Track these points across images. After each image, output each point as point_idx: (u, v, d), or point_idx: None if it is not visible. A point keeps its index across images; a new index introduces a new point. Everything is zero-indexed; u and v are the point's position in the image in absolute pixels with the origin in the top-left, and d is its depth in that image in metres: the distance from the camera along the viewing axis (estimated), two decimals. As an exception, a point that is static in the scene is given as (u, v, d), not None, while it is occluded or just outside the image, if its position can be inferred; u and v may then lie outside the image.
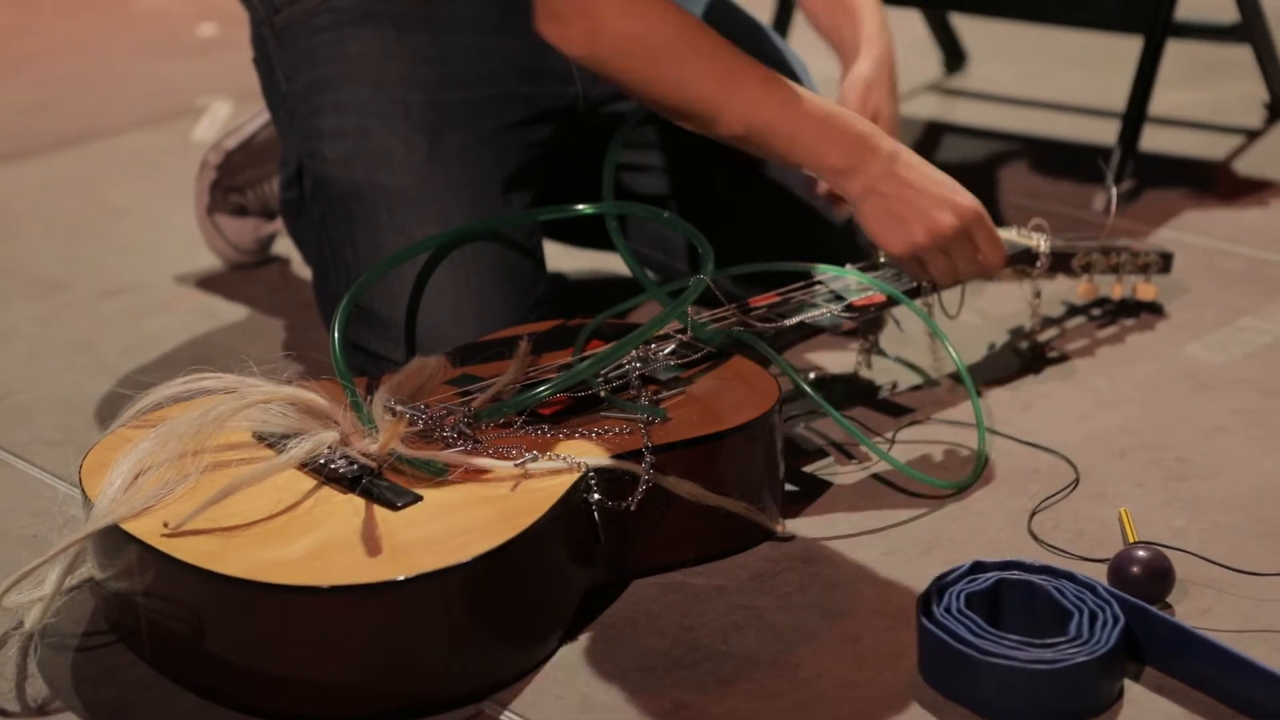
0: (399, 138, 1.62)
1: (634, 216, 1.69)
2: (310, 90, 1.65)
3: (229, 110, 2.59)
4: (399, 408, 1.33)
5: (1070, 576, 1.23)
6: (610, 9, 1.46)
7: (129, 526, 1.21)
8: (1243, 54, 2.36)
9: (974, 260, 1.52)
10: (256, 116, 2.02)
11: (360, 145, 1.62)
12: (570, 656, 1.25)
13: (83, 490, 1.27)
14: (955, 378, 1.64)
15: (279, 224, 1.97)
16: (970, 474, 1.46)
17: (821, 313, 1.53)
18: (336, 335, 1.43)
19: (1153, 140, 2.24)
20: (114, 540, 1.22)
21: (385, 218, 1.60)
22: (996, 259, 1.53)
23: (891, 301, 1.56)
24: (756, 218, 1.75)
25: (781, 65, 1.77)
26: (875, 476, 1.48)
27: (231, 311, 1.90)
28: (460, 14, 1.64)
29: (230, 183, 1.98)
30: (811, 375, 1.66)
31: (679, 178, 1.76)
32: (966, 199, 1.50)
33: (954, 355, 1.54)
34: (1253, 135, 2.33)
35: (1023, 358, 1.69)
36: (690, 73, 1.47)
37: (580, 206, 1.62)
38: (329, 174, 1.63)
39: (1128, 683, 1.19)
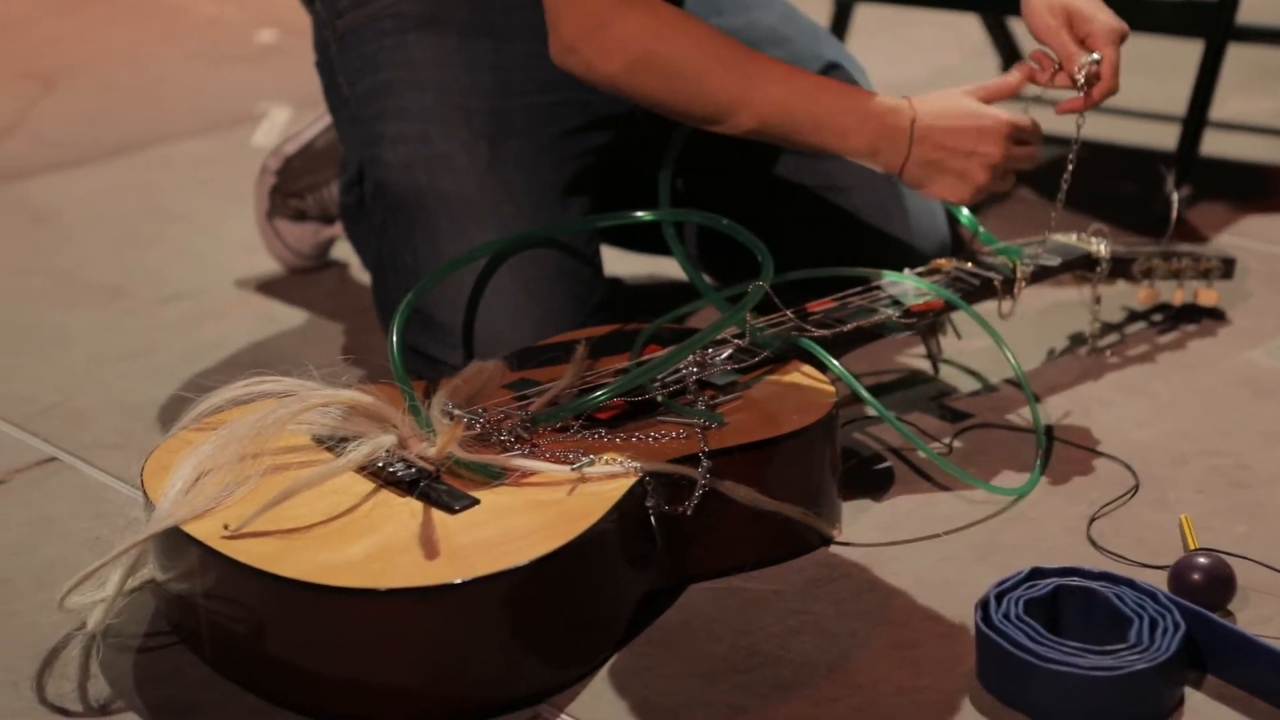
0: (460, 144, 1.62)
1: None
2: (372, 95, 1.66)
3: (288, 116, 2.60)
4: (456, 411, 1.34)
5: (1130, 583, 1.22)
6: (620, 32, 1.47)
7: (190, 528, 1.21)
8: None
9: (1027, 156, 1.52)
10: (316, 122, 2.03)
11: (422, 150, 1.63)
12: (627, 661, 1.25)
13: (144, 492, 1.28)
14: (1014, 383, 1.63)
15: (338, 228, 1.98)
16: (1028, 480, 1.45)
17: (879, 318, 1.52)
18: (395, 339, 1.43)
19: (1214, 145, 2.23)
20: (175, 542, 1.23)
21: (445, 223, 1.61)
22: (1037, 141, 1.53)
23: (949, 306, 1.56)
24: (814, 222, 1.75)
25: (839, 69, 1.77)
26: (932, 482, 1.47)
27: (290, 316, 1.91)
28: (520, 22, 1.64)
29: (290, 188, 1.99)
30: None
31: (740, 182, 1.76)
32: (990, 117, 1.50)
33: (1012, 360, 1.53)
34: (1315, 140, 2.31)
35: (1082, 363, 1.68)
36: (708, 81, 1.48)
37: (639, 213, 1.62)
38: (390, 179, 1.64)
39: (1188, 690, 1.18)
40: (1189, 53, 2.17)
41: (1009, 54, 2.62)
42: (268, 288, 1.99)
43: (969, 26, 2.68)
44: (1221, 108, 2.21)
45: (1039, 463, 1.47)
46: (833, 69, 1.76)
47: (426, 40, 1.64)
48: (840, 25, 2.47)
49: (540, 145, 1.64)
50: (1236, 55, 2.25)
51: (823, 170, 1.75)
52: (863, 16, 2.51)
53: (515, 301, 1.59)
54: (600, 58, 1.48)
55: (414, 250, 1.62)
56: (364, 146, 1.67)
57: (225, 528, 1.20)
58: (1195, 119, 2.09)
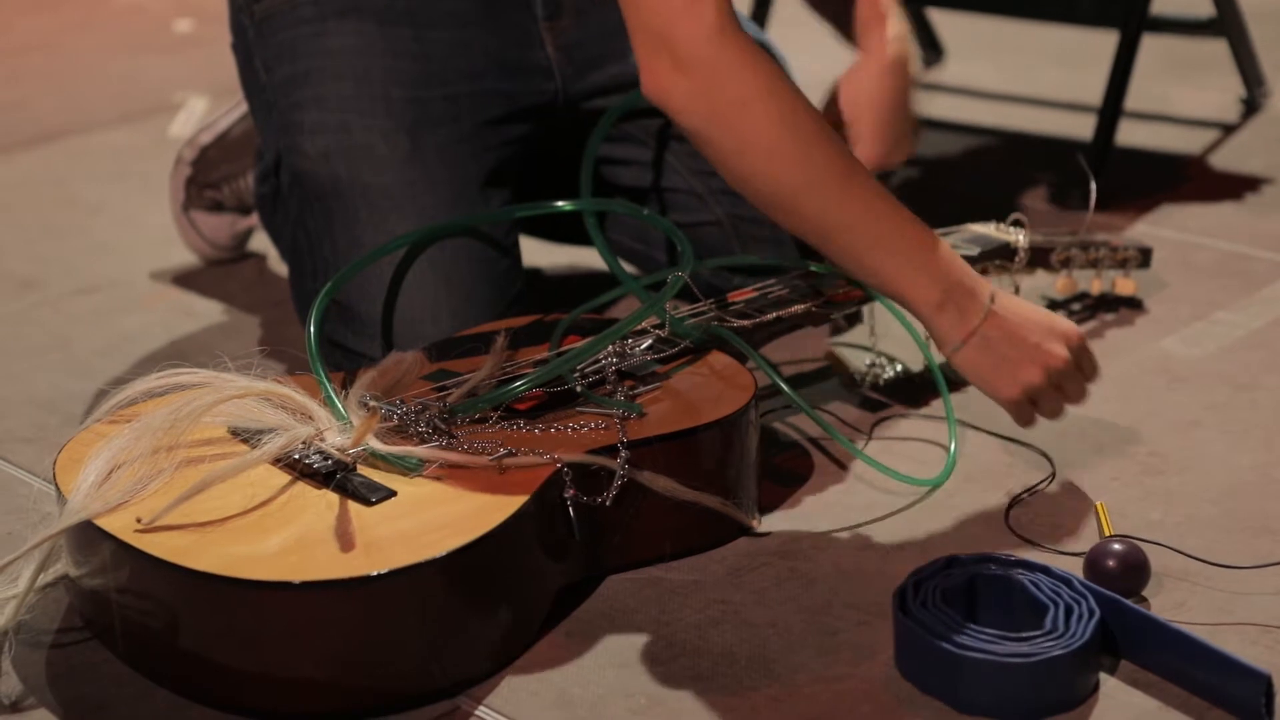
0: (380, 134, 1.61)
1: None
2: (290, 84, 1.64)
3: (205, 106, 2.58)
4: (373, 403, 1.33)
5: (1046, 570, 1.23)
6: (732, 72, 1.34)
7: (102, 522, 1.20)
8: (1219, 48, 2.37)
9: (1083, 388, 1.43)
10: (231, 111, 2.01)
11: (341, 141, 1.61)
12: (546, 652, 1.25)
13: (56, 486, 1.27)
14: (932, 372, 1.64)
15: (255, 219, 1.97)
16: (943, 470, 1.46)
17: (798, 308, 1.52)
18: (313, 329, 1.42)
19: (1130, 135, 2.25)
20: (88, 536, 1.22)
21: (365, 214, 1.60)
22: (1094, 380, 1.44)
23: (868, 297, 1.56)
24: (736, 219, 1.75)
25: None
26: (851, 472, 1.48)
27: (207, 308, 1.89)
28: (441, 8, 1.63)
29: (205, 179, 1.97)
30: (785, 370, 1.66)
31: (660, 171, 1.76)
32: (1067, 324, 1.41)
33: (925, 351, 1.54)
34: (1229, 130, 2.34)
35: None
36: (785, 160, 1.36)
37: (560, 203, 1.62)
38: (308, 169, 1.63)
39: (1103, 676, 1.19)
40: (1105, 44, 2.19)
41: (929, 45, 2.64)
42: (184, 280, 1.97)
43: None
44: (1136, 98, 2.22)
45: (952, 452, 1.48)
46: None
47: (346, 27, 1.63)
48: (761, 13, 2.47)
49: (461, 135, 1.63)
50: (1151, 45, 2.27)
51: None
52: (782, 7, 2.51)
53: (434, 294, 1.58)
54: (698, 90, 1.34)
55: (333, 242, 1.61)
56: (281, 135, 1.65)
57: (139, 521, 1.19)
58: (1111, 109, 2.10)
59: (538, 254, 1.92)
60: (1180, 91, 2.48)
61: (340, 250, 1.60)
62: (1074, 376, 1.41)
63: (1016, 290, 1.69)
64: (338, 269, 1.57)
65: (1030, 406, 1.41)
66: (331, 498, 1.23)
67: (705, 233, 1.73)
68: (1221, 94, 2.43)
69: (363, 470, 1.27)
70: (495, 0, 1.65)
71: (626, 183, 1.76)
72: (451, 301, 1.58)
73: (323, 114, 1.62)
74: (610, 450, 1.30)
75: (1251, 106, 2.40)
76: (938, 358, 1.51)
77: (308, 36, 1.64)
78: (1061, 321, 1.41)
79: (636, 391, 1.38)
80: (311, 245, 1.64)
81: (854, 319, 1.63)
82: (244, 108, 1.98)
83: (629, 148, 1.75)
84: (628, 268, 1.80)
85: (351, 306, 1.58)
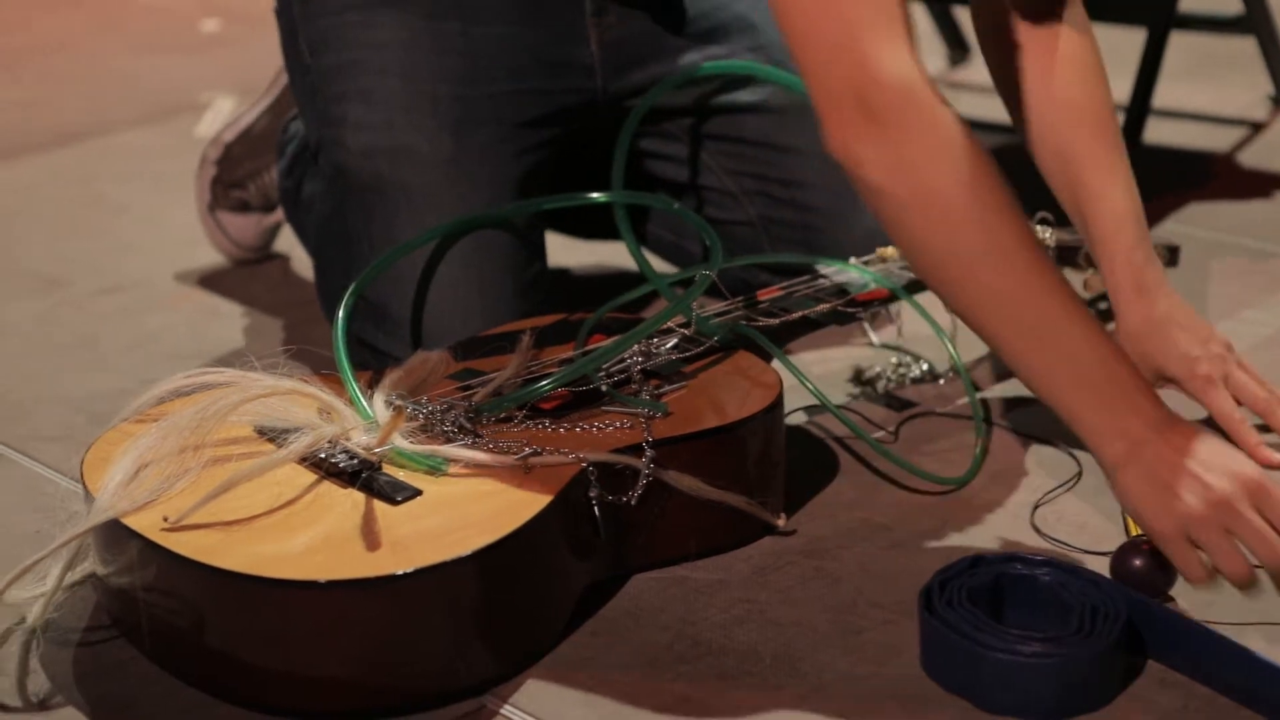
0: (424, 134, 1.61)
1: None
2: (336, 74, 1.64)
3: (232, 106, 2.59)
4: (399, 402, 1.33)
5: (1073, 570, 1.23)
6: (925, 125, 1.23)
7: (130, 521, 1.20)
8: (1247, 45, 2.36)
9: (1265, 540, 1.19)
10: (254, 106, 2.01)
11: (385, 138, 1.61)
12: (572, 651, 1.25)
13: (84, 485, 1.27)
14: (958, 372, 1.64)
15: (280, 214, 1.97)
16: (969, 468, 1.46)
17: (825, 307, 1.52)
18: (339, 326, 1.43)
19: (1157, 133, 2.24)
20: (115, 535, 1.22)
21: (405, 213, 1.60)
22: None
23: (894, 296, 1.56)
24: (767, 220, 1.75)
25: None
26: (877, 471, 1.48)
27: (233, 308, 1.90)
28: (489, 7, 1.63)
29: (231, 177, 1.97)
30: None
31: (697, 169, 1.76)
32: (1247, 464, 1.23)
33: (951, 350, 1.54)
34: (1257, 128, 2.33)
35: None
36: (967, 220, 1.24)
37: (593, 195, 1.62)
38: (351, 165, 1.63)
39: (1130, 676, 1.19)
40: (1133, 41, 2.18)
41: (955, 43, 2.63)
42: (210, 279, 1.98)
43: (915, 14, 2.68)
44: (1164, 95, 2.22)
45: (979, 451, 1.47)
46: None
47: (394, 20, 1.62)
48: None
49: (502, 136, 1.63)
50: (1179, 43, 2.26)
51: (782, 164, 1.74)
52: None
53: (464, 293, 1.58)
54: (873, 150, 1.23)
55: (370, 239, 1.61)
56: (324, 126, 1.65)
57: (165, 520, 1.19)
58: (1139, 106, 2.10)
59: (564, 252, 1.92)
60: (1208, 89, 2.47)
61: (377, 248, 1.60)
62: (1247, 524, 1.19)
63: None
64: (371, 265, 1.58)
65: (1193, 550, 1.21)
66: (357, 497, 1.24)
67: (737, 231, 1.73)
68: (1250, 91, 2.42)
69: (388, 469, 1.27)
70: None
71: (666, 176, 1.76)
72: (483, 300, 1.58)
73: (368, 109, 1.62)
74: (636, 449, 1.30)
75: (1279, 104, 2.39)
76: (963, 356, 1.51)
77: (355, 25, 1.63)
78: (1241, 460, 1.23)
79: (662, 390, 1.38)
80: (349, 240, 1.64)
81: (881, 320, 1.63)
82: (267, 102, 1.98)
83: (668, 143, 1.75)
84: (655, 260, 1.80)
85: (379, 304, 1.58)
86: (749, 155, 1.74)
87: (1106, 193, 1.49)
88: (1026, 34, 1.49)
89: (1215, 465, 1.21)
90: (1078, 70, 1.49)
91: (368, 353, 1.59)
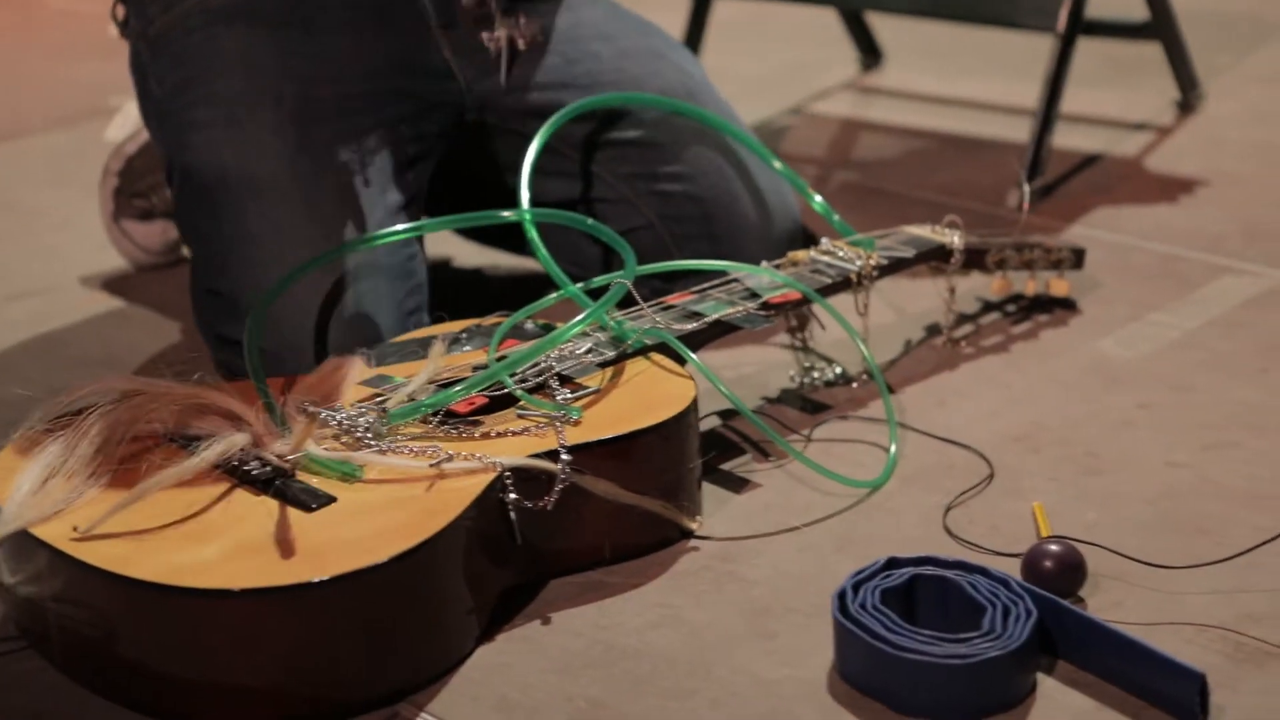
0: (269, 127, 1.60)
1: (547, 223, 1.68)
2: (181, 88, 1.64)
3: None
4: (312, 409, 1.32)
5: (984, 571, 1.24)
6: None
7: (38, 531, 1.19)
8: (1153, 51, 2.39)
9: None
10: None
11: (230, 133, 1.60)
12: (487, 657, 1.24)
13: (-10, 495, 1.26)
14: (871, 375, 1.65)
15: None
16: (883, 471, 1.47)
17: (736, 310, 1.53)
18: (252, 336, 1.41)
19: (1066, 138, 2.26)
20: (23, 545, 1.21)
21: (253, 205, 1.58)
22: None
23: (805, 300, 1.57)
24: (666, 219, 1.75)
25: (664, 60, 1.77)
26: (791, 474, 1.48)
27: (142, 313, 1.88)
28: (333, 19, 1.63)
29: (134, 188, 1.96)
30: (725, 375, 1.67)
31: (589, 182, 1.76)
32: None
33: (865, 353, 1.55)
34: (1163, 132, 2.36)
35: (938, 354, 1.70)
36: None
37: (504, 213, 1.59)
38: (196, 161, 1.61)
39: (1040, 676, 1.20)
40: (1042, 47, 2.20)
41: (867, 49, 2.65)
42: (119, 285, 1.96)
43: (827, 20, 2.70)
44: (1072, 101, 2.24)
45: (892, 454, 1.48)
46: (658, 59, 1.77)
47: (236, 31, 1.62)
48: (694, 38, 2.46)
49: (356, 131, 1.62)
50: (1087, 49, 2.28)
51: (670, 156, 1.75)
52: (721, 12, 2.52)
53: (348, 312, 1.56)
54: None
55: (220, 233, 1.60)
56: (173, 137, 1.64)
57: (75, 530, 1.18)
58: (1047, 112, 2.12)
59: (478, 257, 1.91)
60: (1116, 94, 2.50)
61: (229, 241, 1.59)
62: None
63: (952, 292, 1.69)
64: (226, 260, 1.57)
65: None
66: (271, 504, 1.23)
67: (639, 237, 1.73)
68: (1157, 96, 2.45)
69: (302, 477, 1.26)
70: (389, 7, 1.65)
71: (555, 197, 1.75)
72: (332, 276, 1.56)
73: (213, 110, 1.61)
74: (551, 454, 1.30)
75: (1185, 109, 2.42)
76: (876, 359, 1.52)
77: (198, 43, 1.63)
78: None
79: (577, 395, 1.38)
80: (201, 239, 1.62)
81: (803, 322, 1.64)
82: None
83: (552, 159, 1.74)
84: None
85: (233, 297, 1.57)
86: (635, 156, 1.75)
87: None
88: None
89: None
90: None
91: (230, 349, 1.57)
